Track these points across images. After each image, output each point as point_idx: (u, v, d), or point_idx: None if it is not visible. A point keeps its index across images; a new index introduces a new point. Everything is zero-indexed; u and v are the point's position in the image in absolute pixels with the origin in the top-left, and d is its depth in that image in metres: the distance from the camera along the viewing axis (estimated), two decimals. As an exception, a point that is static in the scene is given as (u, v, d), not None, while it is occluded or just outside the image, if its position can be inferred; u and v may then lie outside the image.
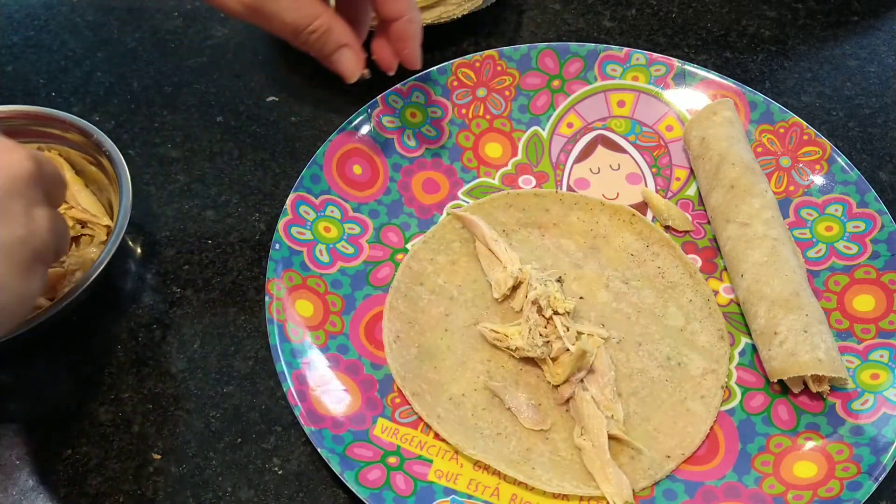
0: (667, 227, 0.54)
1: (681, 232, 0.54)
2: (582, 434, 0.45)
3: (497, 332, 0.48)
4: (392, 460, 0.44)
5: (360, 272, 0.51)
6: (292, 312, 0.48)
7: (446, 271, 0.52)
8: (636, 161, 0.58)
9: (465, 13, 0.64)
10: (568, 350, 0.46)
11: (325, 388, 0.46)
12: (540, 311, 0.47)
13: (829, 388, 0.46)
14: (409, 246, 0.53)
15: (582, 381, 0.46)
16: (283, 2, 0.43)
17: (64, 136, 0.54)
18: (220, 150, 0.59)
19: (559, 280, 0.50)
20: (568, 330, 0.47)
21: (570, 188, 0.56)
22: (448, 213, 0.54)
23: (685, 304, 0.51)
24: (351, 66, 0.47)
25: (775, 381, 0.47)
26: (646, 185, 0.57)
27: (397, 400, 0.47)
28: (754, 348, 0.49)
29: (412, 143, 0.56)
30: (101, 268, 0.47)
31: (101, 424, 0.47)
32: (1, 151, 0.37)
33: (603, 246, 0.53)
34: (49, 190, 0.39)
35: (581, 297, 0.50)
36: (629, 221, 0.54)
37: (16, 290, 0.36)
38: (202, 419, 0.48)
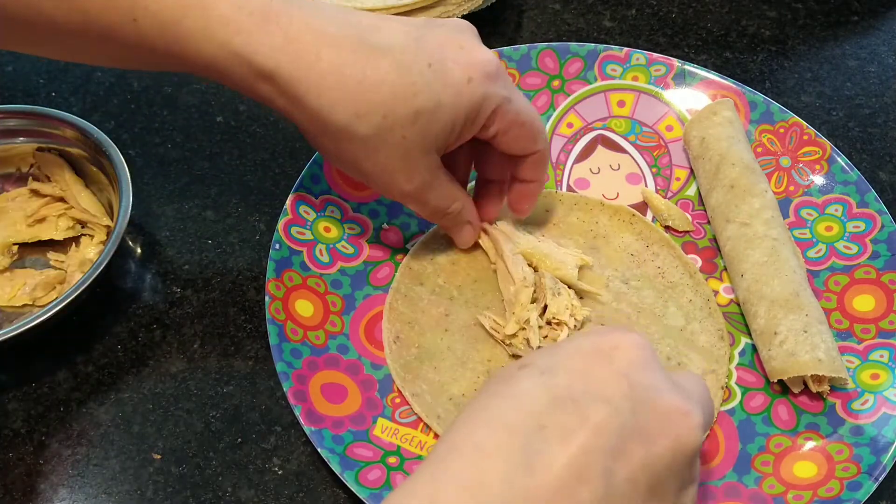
0: (667, 228, 0.54)
1: (681, 232, 0.54)
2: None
3: (497, 323, 0.48)
4: (392, 460, 0.44)
5: (360, 272, 0.51)
6: (292, 312, 0.48)
7: (446, 271, 0.52)
8: (636, 161, 0.58)
9: (465, 13, 0.63)
10: None
11: (325, 389, 0.46)
12: (549, 323, 0.48)
13: (829, 388, 0.47)
14: (408, 246, 0.53)
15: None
16: (438, 190, 0.46)
17: (64, 136, 0.54)
18: (220, 150, 0.59)
19: (581, 267, 0.51)
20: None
21: (570, 188, 0.56)
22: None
23: (685, 304, 0.51)
24: (467, 238, 0.51)
25: (775, 381, 0.47)
26: (646, 185, 0.57)
27: (397, 400, 0.47)
28: (754, 348, 0.49)
29: (412, 143, 0.56)
30: (101, 268, 0.47)
31: (101, 424, 0.47)
32: (676, 415, 0.31)
33: (603, 246, 0.53)
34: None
35: (581, 297, 0.50)
36: (629, 222, 0.54)
37: None
38: (202, 419, 0.48)
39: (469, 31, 0.44)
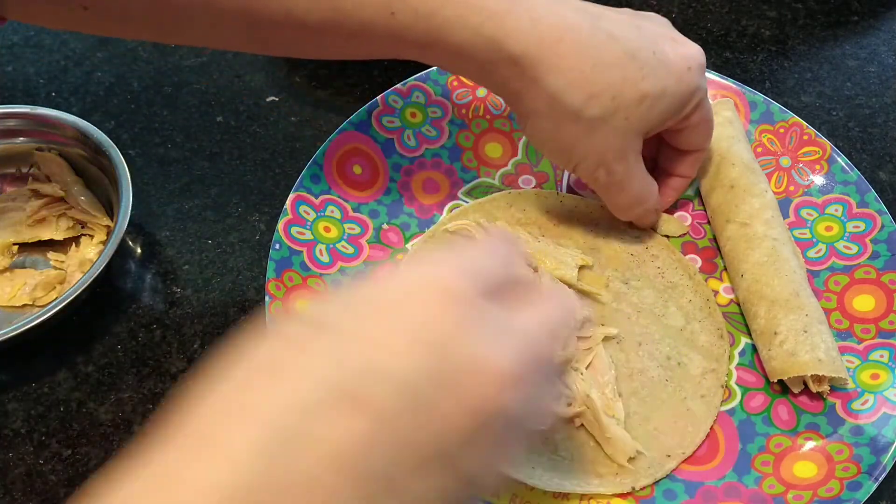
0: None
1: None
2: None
3: None
4: (392, 460, 0.44)
5: (360, 272, 0.51)
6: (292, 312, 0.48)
7: None
8: (636, 161, 0.58)
9: (465, 13, 0.63)
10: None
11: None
12: None
13: (829, 388, 0.46)
14: (409, 246, 0.53)
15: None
16: (637, 175, 0.48)
17: (64, 136, 0.54)
18: (220, 150, 0.59)
19: (581, 267, 0.51)
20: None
21: (570, 188, 0.56)
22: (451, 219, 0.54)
23: (685, 304, 0.51)
24: (650, 223, 0.53)
25: (775, 381, 0.47)
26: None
27: (397, 400, 0.47)
28: (754, 348, 0.49)
29: (412, 143, 0.56)
30: (101, 268, 0.47)
31: (101, 424, 0.47)
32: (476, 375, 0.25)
33: (602, 246, 0.53)
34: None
35: (581, 297, 0.50)
36: (629, 223, 0.54)
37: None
38: (202, 419, 0.48)
39: (669, 24, 0.47)
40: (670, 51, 0.45)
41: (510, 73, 0.43)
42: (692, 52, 0.46)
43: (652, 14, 0.47)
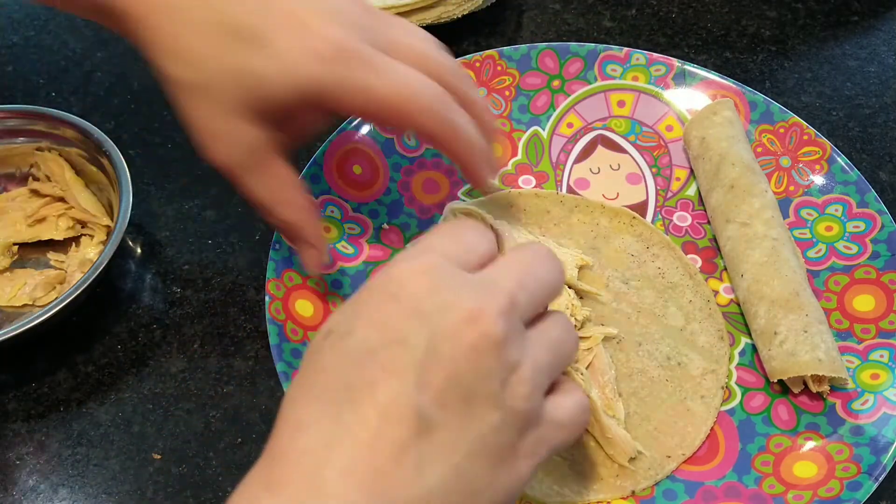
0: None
1: (681, 231, 0.54)
2: None
3: None
4: (392, 460, 0.44)
5: (360, 272, 0.51)
6: (292, 312, 0.48)
7: None
8: (636, 161, 0.58)
9: (465, 13, 0.64)
10: None
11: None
12: None
13: (829, 388, 0.47)
14: (409, 246, 0.53)
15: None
16: (258, 178, 0.42)
17: (64, 136, 0.54)
18: (220, 150, 0.59)
19: (581, 267, 0.50)
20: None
21: (570, 188, 0.56)
22: (453, 212, 0.53)
23: (685, 305, 0.51)
24: (308, 262, 0.46)
25: (775, 381, 0.47)
26: (646, 185, 0.57)
27: (397, 400, 0.47)
28: (754, 348, 0.49)
29: (412, 143, 0.56)
30: (101, 268, 0.47)
31: (101, 424, 0.47)
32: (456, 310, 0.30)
33: (603, 246, 0.53)
34: (534, 306, 0.34)
35: (581, 297, 0.50)
36: (629, 224, 0.54)
37: (489, 488, 0.31)
38: (202, 419, 0.48)
39: (335, 6, 0.40)
40: (285, 36, 0.39)
41: (123, 28, 0.41)
42: (314, 42, 0.39)
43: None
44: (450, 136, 0.42)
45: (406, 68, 0.40)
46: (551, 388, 0.34)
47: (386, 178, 0.55)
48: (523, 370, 0.31)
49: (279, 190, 0.43)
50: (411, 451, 0.29)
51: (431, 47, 0.43)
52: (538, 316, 0.34)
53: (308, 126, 0.44)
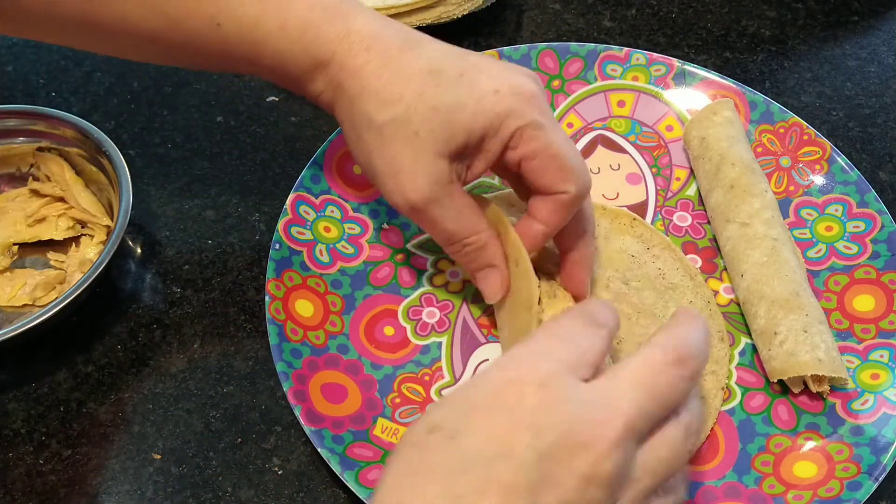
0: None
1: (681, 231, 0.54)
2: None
3: None
4: (392, 460, 0.44)
5: (360, 272, 0.51)
6: (292, 312, 0.48)
7: None
8: (636, 161, 0.58)
9: (465, 13, 0.64)
10: None
11: (325, 389, 0.46)
12: None
13: (829, 388, 0.47)
14: (409, 246, 0.53)
15: None
16: (449, 210, 0.43)
17: (64, 136, 0.54)
18: (220, 150, 0.59)
19: None
20: None
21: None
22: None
23: (685, 306, 0.50)
24: (495, 287, 0.45)
25: (775, 381, 0.47)
26: (646, 185, 0.57)
27: (397, 400, 0.47)
28: (754, 348, 0.49)
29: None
30: (101, 268, 0.47)
31: (101, 424, 0.47)
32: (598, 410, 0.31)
33: (604, 247, 0.53)
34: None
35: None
36: (630, 225, 0.53)
37: None
38: (202, 419, 0.48)
39: (524, 71, 0.44)
40: (483, 77, 0.42)
41: (323, 81, 0.44)
42: (512, 79, 0.42)
43: (508, 63, 0.45)
44: (580, 215, 0.45)
45: (566, 135, 0.44)
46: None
47: (386, 178, 0.55)
48: (627, 497, 0.31)
49: (469, 218, 0.44)
50: None
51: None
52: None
53: (479, 165, 0.44)
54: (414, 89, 0.42)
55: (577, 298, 0.46)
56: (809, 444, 0.46)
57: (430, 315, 0.51)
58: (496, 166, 0.44)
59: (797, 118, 0.57)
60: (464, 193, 0.44)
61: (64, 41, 0.47)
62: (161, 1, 0.42)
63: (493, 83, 0.42)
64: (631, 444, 0.31)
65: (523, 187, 0.46)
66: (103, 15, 0.42)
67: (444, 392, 0.48)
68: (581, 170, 0.43)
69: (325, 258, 0.51)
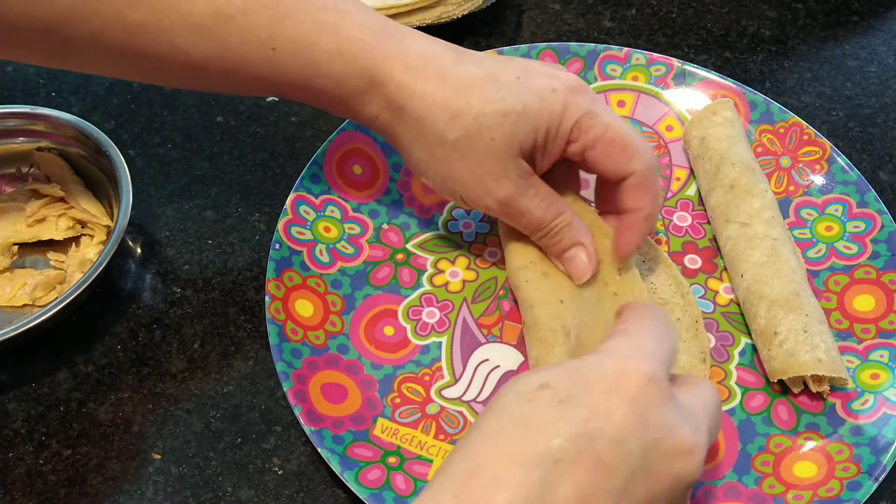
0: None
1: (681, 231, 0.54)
2: None
3: None
4: (392, 460, 0.44)
5: (360, 272, 0.51)
6: (292, 312, 0.48)
7: None
8: (636, 161, 0.58)
9: (465, 13, 0.64)
10: None
11: (325, 389, 0.46)
12: None
13: (829, 388, 0.47)
14: (409, 246, 0.53)
15: None
16: (535, 199, 0.45)
17: (64, 136, 0.54)
18: (220, 150, 0.59)
19: None
20: None
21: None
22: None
23: (672, 323, 0.49)
24: (583, 266, 0.46)
25: (775, 381, 0.47)
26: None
27: (397, 400, 0.47)
28: (754, 348, 0.49)
29: (412, 143, 0.56)
30: (101, 268, 0.48)
31: (101, 424, 0.47)
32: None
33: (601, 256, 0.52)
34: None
35: (562, 301, 0.49)
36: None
37: None
38: (202, 419, 0.48)
39: (563, 69, 0.47)
40: (537, 77, 0.44)
41: (381, 103, 0.44)
42: (562, 75, 0.45)
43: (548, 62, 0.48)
44: (649, 196, 0.46)
45: (620, 118, 0.46)
46: None
47: (386, 178, 0.55)
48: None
49: (554, 202, 0.45)
50: None
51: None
52: None
53: (546, 159, 0.46)
54: (479, 98, 0.43)
55: (620, 261, 0.47)
56: (809, 444, 0.46)
57: (430, 315, 0.51)
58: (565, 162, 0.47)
59: (797, 118, 0.57)
60: (542, 182, 0.46)
61: (109, 72, 0.46)
62: (213, 27, 0.41)
63: (550, 82, 0.44)
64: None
65: (605, 199, 0.48)
66: (151, 44, 0.41)
67: (444, 392, 0.48)
68: (643, 146, 0.45)
69: (325, 258, 0.51)
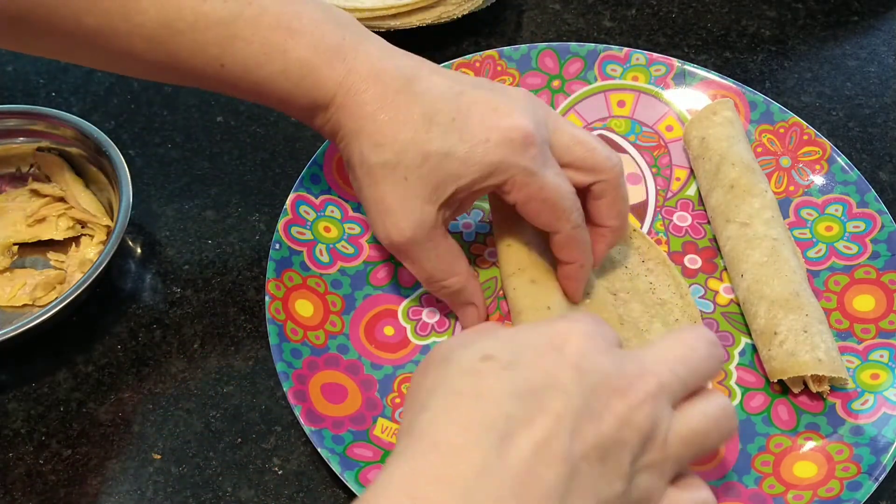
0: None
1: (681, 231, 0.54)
2: None
3: None
4: (392, 460, 0.44)
5: (360, 272, 0.51)
6: (292, 312, 0.48)
7: None
8: (636, 161, 0.58)
9: (465, 13, 0.63)
10: None
11: (325, 389, 0.46)
12: None
13: (829, 388, 0.47)
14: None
15: None
16: (430, 252, 0.45)
17: (64, 136, 0.54)
18: (220, 150, 0.59)
19: None
20: None
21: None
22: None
23: (671, 323, 0.49)
24: (468, 320, 0.49)
25: (775, 381, 0.47)
26: (646, 185, 0.56)
27: (397, 400, 0.47)
28: (754, 348, 0.49)
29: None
30: (101, 268, 0.48)
31: (101, 424, 0.47)
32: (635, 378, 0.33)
33: None
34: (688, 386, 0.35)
35: (549, 308, 0.49)
36: (629, 236, 0.53)
37: None
38: (202, 419, 0.48)
39: (520, 99, 0.44)
40: (478, 119, 0.43)
41: (324, 119, 0.45)
42: (504, 124, 0.42)
43: (513, 88, 0.46)
44: (577, 251, 0.46)
45: (558, 172, 0.44)
46: (677, 477, 0.35)
47: (386, 178, 0.55)
48: (654, 456, 0.33)
49: (449, 262, 0.46)
50: (555, 494, 0.30)
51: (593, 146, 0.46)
52: (693, 395, 0.36)
53: (467, 204, 0.47)
54: (406, 135, 0.42)
55: (574, 302, 0.48)
56: (809, 444, 0.46)
57: (430, 315, 0.51)
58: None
59: (797, 118, 0.57)
60: (446, 237, 0.46)
61: (76, 62, 0.48)
62: (165, 38, 0.42)
63: (484, 131, 0.42)
64: (665, 402, 0.34)
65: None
66: (108, 45, 0.43)
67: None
68: (571, 208, 0.44)
69: (325, 258, 0.51)
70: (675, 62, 0.59)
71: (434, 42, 0.65)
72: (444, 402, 0.32)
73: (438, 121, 0.43)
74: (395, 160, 0.43)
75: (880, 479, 0.43)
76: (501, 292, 0.51)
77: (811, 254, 0.52)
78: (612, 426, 0.32)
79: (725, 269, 0.52)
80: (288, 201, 0.52)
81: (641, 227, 0.54)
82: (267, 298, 0.48)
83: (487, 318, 0.50)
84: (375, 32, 0.46)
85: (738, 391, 0.48)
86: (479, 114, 0.43)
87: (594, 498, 0.31)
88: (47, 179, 0.55)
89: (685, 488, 0.35)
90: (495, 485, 0.29)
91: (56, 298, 0.47)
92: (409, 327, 0.50)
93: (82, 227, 0.54)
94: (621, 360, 0.34)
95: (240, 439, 0.47)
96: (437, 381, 0.33)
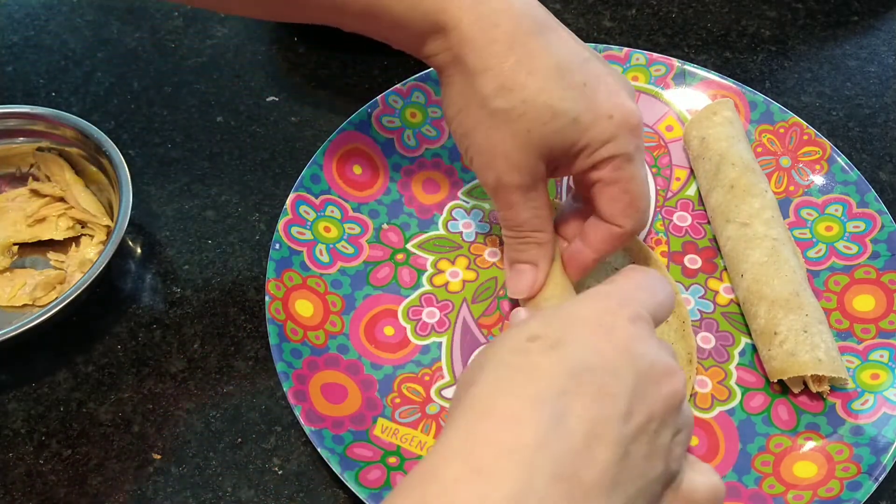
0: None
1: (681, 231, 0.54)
2: None
3: None
4: (392, 460, 0.44)
5: (360, 272, 0.51)
6: (292, 312, 0.48)
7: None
8: (636, 161, 0.58)
9: (465, 13, 0.63)
10: None
11: (325, 389, 0.46)
12: None
13: (829, 388, 0.47)
14: (409, 246, 0.53)
15: None
16: (529, 202, 0.44)
17: (64, 136, 0.54)
18: (220, 150, 0.59)
19: None
20: None
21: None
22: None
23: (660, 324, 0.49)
24: (523, 284, 0.47)
25: (775, 381, 0.47)
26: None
27: (397, 400, 0.47)
28: (754, 348, 0.49)
29: (412, 143, 0.56)
30: (101, 268, 0.47)
31: (101, 424, 0.47)
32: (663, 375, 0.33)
33: None
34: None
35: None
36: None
37: None
38: (202, 419, 0.48)
39: (629, 85, 0.45)
40: (603, 95, 0.43)
41: (441, 45, 0.43)
42: (627, 106, 0.43)
43: (616, 70, 0.46)
44: (612, 247, 0.46)
45: (648, 171, 0.45)
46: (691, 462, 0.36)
47: (386, 178, 0.55)
48: (684, 434, 0.34)
49: (544, 217, 0.45)
50: (608, 474, 0.30)
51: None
52: None
53: (561, 171, 0.46)
54: (537, 84, 0.41)
55: (570, 278, 0.48)
56: (809, 444, 0.46)
57: (430, 315, 0.51)
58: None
59: (797, 118, 0.57)
60: (546, 193, 0.45)
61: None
62: None
63: (610, 107, 0.42)
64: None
65: (585, 193, 0.47)
66: None
67: (444, 392, 0.48)
68: (644, 212, 0.45)
69: (325, 258, 0.51)
70: (675, 62, 0.59)
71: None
72: (496, 374, 0.32)
73: (572, 81, 0.42)
74: (521, 108, 0.41)
75: (880, 479, 0.43)
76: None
77: (811, 254, 0.52)
78: (660, 407, 0.32)
79: (725, 269, 0.52)
80: (288, 201, 0.52)
81: (641, 227, 0.54)
82: (267, 298, 0.48)
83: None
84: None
85: (738, 391, 0.48)
86: (606, 88, 0.43)
87: (641, 479, 0.31)
88: (47, 179, 0.55)
89: (700, 472, 0.36)
90: (556, 458, 0.29)
91: (56, 298, 0.47)
92: (409, 327, 0.50)
93: (82, 227, 0.54)
94: (662, 347, 0.35)
95: (240, 439, 0.47)
96: (486, 359, 0.33)
